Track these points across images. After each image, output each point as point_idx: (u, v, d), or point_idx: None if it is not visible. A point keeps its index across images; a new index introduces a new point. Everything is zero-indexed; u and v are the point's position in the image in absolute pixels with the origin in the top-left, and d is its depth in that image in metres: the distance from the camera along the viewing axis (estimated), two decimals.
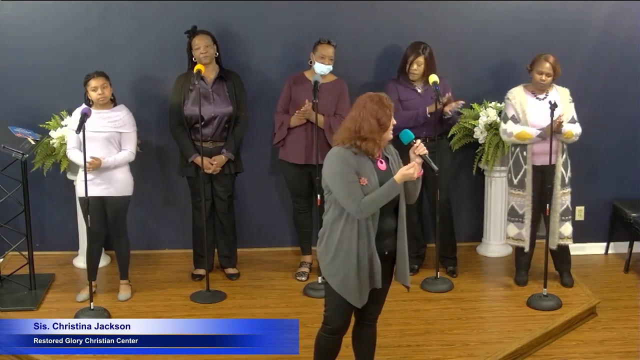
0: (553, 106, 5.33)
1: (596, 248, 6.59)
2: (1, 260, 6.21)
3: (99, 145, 5.42)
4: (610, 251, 6.60)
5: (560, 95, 5.65)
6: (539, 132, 5.52)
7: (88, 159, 5.31)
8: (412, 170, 4.08)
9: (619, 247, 6.53)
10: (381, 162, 4.21)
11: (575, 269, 6.00)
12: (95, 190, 5.43)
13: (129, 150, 5.55)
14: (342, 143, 4.14)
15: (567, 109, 5.61)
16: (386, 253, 4.25)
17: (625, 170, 6.51)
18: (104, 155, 5.43)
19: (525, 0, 6.23)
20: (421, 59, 5.78)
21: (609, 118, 6.36)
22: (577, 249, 6.26)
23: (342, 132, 4.16)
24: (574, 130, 5.58)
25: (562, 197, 5.68)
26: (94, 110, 5.40)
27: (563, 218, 5.71)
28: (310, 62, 5.80)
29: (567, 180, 5.68)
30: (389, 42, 6.21)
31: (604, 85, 6.31)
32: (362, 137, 4.09)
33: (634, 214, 6.21)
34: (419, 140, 4.21)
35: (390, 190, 4.09)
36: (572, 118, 5.63)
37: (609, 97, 6.33)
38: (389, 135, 4.18)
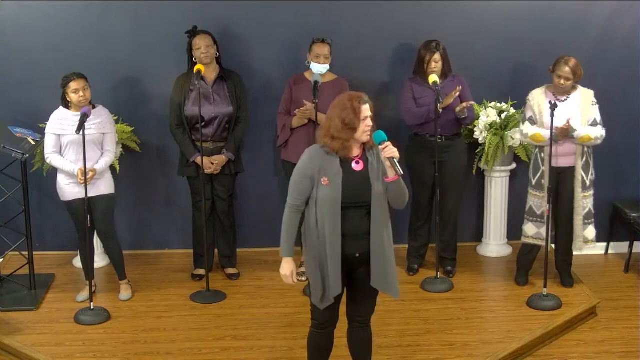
0: (553, 107, 5.32)
1: (596, 248, 6.56)
2: (1, 260, 6.22)
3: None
4: (610, 251, 6.60)
5: (583, 97, 5.59)
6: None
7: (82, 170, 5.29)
8: (283, 276, 4.26)
9: (619, 247, 6.53)
10: (357, 163, 4.18)
11: (576, 269, 6.00)
12: (82, 193, 5.37)
13: (112, 151, 5.54)
14: (320, 141, 4.19)
15: (589, 112, 5.54)
16: (357, 255, 4.18)
17: (625, 170, 6.51)
18: (89, 157, 5.36)
19: (525, 0, 6.23)
20: (437, 56, 5.76)
21: (609, 118, 6.32)
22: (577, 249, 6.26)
23: (320, 130, 4.23)
24: (591, 133, 5.50)
25: (584, 200, 5.63)
26: (74, 113, 5.38)
27: (586, 221, 5.67)
28: (308, 63, 5.80)
29: (588, 183, 5.62)
30: (389, 42, 6.21)
31: (604, 85, 6.29)
32: (331, 136, 4.11)
33: (634, 214, 6.21)
34: (388, 142, 4.10)
35: (282, 254, 4.24)
36: (594, 120, 5.55)
37: (609, 97, 6.31)
38: (363, 137, 4.12)
